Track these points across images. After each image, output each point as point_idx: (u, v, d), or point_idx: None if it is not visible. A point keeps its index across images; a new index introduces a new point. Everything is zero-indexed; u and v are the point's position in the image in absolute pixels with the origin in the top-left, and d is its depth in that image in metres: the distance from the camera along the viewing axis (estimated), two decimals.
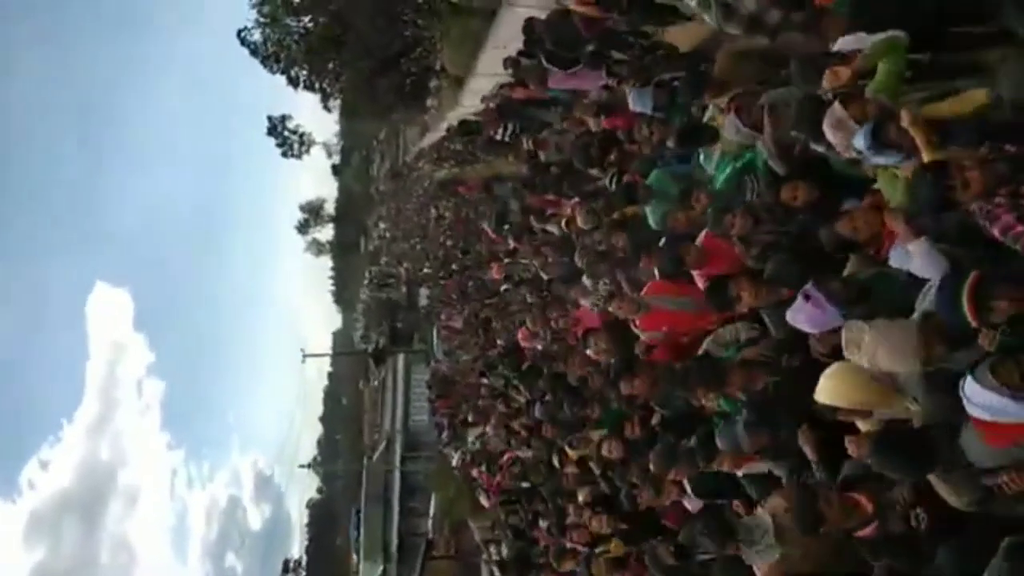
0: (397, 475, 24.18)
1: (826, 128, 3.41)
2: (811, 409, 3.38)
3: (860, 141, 3.25)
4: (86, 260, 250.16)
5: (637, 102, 5.41)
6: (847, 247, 3.56)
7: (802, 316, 3.49)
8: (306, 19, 15.76)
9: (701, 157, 4.83)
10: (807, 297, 3.45)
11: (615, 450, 5.33)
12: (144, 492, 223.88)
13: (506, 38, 8.55)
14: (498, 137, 8.26)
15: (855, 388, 3.18)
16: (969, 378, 2.64)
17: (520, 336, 8.27)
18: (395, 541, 21.95)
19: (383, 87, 17.65)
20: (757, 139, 4.20)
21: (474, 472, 11.26)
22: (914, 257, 3.14)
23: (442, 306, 17.63)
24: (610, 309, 5.29)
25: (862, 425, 3.29)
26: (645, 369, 5.07)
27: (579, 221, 6.12)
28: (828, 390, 3.25)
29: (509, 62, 7.77)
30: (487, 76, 10.29)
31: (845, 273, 3.58)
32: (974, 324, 2.67)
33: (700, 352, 4.58)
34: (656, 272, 4.97)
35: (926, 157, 3.07)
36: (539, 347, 7.83)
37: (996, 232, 2.69)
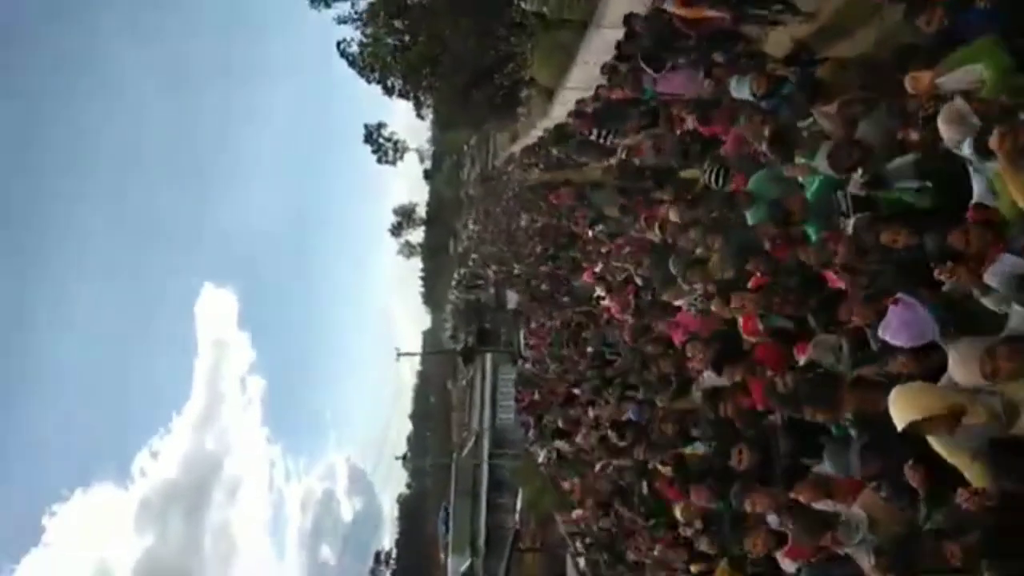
0: (485, 469, 24.87)
1: (941, 123, 3.43)
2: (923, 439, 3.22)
3: (967, 149, 3.29)
4: (196, 262, 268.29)
5: (738, 90, 5.30)
6: (951, 258, 3.43)
7: (895, 323, 3.45)
8: (406, 38, 16.65)
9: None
10: (896, 302, 3.42)
11: (703, 498, 5.07)
12: (245, 484, 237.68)
13: (594, 55, 8.88)
14: (592, 137, 8.23)
15: (921, 396, 3.11)
16: None
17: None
18: (483, 535, 22.63)
19: (476, 99, 18.33)
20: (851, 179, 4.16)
21: (566, 485, 11.11)
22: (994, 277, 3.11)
23: (531, 312, 17.70)
24: (712, 308, 5.20)
25: (942, 448, 3.11)
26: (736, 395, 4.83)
27: (672, 216, 6.06)
28: (899, 410, 3.14)
29: (607, 68, 7.82)
30: (576, 89, 10.68)
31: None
32: None
33: (804, 361, 4.36)
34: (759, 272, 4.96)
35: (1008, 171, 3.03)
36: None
37: None
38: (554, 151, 11.86)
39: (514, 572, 16.78)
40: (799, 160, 4.70)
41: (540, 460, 14.05)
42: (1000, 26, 3.58)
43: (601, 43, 8.73)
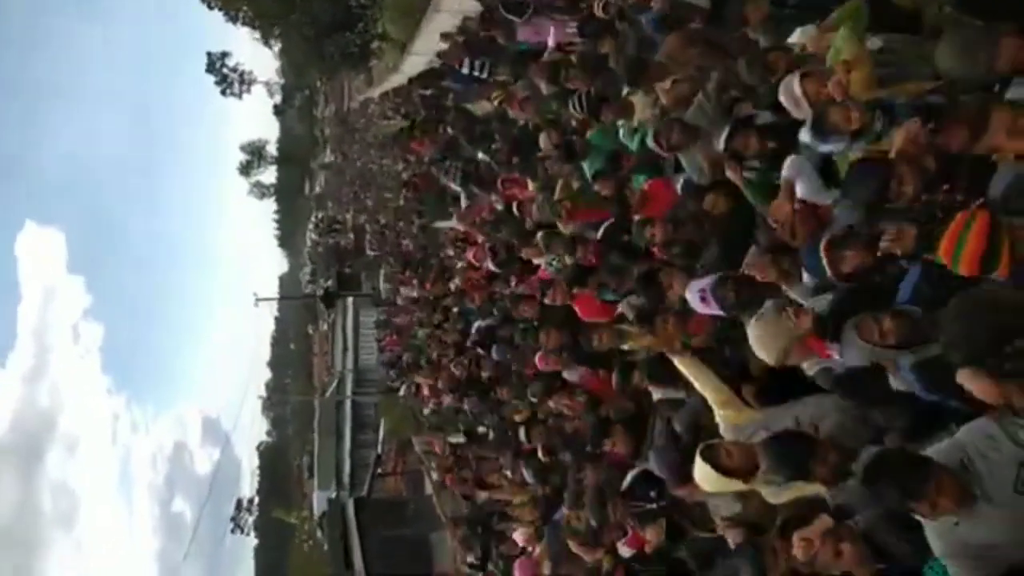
0: (348, 406, 25.82)
1: (782, 97, 3.45)
2: None
3: (805, 135, 3.29)
4: (14, 197, 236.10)
5: None
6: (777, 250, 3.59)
7: (695, 302, 3.88)
8: None
9: (621, 132, 5.05)
10: (703, 299, 3.74)
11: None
12: (85, 438, 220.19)
13: (437, 32, 9.66)
14: (465, 71, 7.68)
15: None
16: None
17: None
18: (347, 468, 23.78)
19: (328, 49, 18.32)
20: (681, 158, 4.32)
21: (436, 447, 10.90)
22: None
23: (395, 273, 16.51)
24: (546, 301, 5.58)
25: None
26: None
27: (534, 213, 6.08)
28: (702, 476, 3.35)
29: None
30: (423, 56, 11.35)
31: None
32: (829, 271, 3.07)
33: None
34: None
35: (851, 85, 3.14)
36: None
37: None
38: (423, 94, 10.60)
39: (377, 492, 18.26)
40: (623, 128, 4.92)
41: (401, 393, 15.24)
42: None
43: (441, 23, 9.54)
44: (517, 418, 6.70)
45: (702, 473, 3.34)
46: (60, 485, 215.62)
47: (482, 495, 8.05)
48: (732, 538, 3.70)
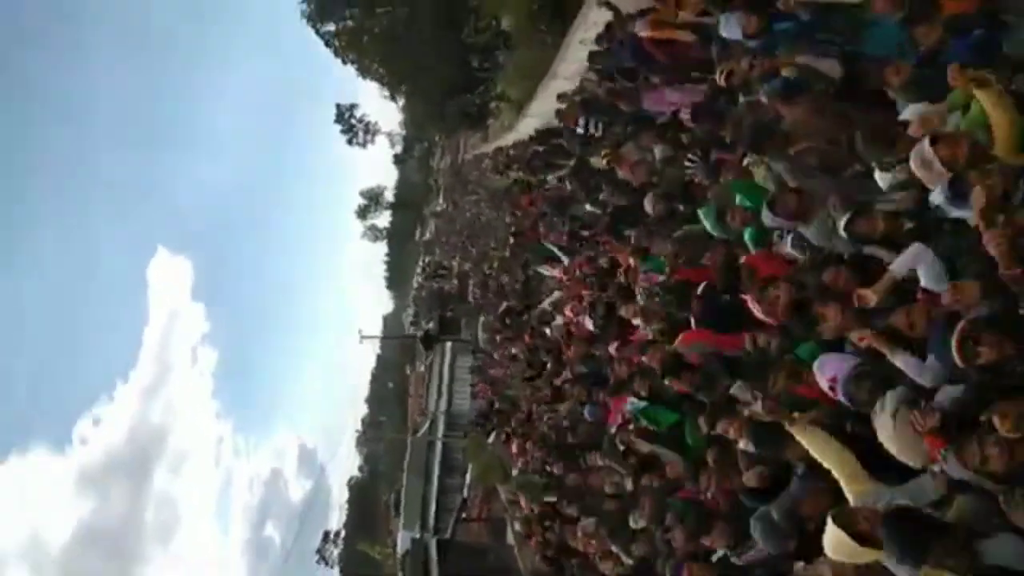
0: (438, 447, 26.27)
1: (912, 163, 3.30)
2: None
3: (938, 196, 3.17)
4: (150, 224, 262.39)
5: (726, 27, 5.03)
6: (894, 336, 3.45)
7: (822, 383, 3.67)
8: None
9: (737, 197, 4.89)
10: (832, 388, 3.57)
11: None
12: (191, 457, 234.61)
13: (551, 96, 10.25)
14: (579, 131, 7.74)
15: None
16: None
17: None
18: (433, 510, 24.05)
19: (450, 110, 19.66)
20: (794, 226, 4.19)
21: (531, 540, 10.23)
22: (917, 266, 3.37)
23: (495, 328, 16.93)
24: (644, 360, 5.55)
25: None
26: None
27: (638, 296, 6.04)
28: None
29: (595, 57, 7.61)
30: (535, 117, 11.97)
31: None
32: (960, 363, 2.90)
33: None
34: (693, 321, 5.08)
35: (978, 221, 2.98)
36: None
37: None
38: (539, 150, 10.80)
39: (460, 536, 18.37)
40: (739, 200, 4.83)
41: (490, 440, 15.47)
42: (983, 58, 3.54)
43: (557, 89, 10.09)
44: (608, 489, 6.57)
45: (834, 540, 3.09)
46: (164, 500, 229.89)
47: None
48: None
